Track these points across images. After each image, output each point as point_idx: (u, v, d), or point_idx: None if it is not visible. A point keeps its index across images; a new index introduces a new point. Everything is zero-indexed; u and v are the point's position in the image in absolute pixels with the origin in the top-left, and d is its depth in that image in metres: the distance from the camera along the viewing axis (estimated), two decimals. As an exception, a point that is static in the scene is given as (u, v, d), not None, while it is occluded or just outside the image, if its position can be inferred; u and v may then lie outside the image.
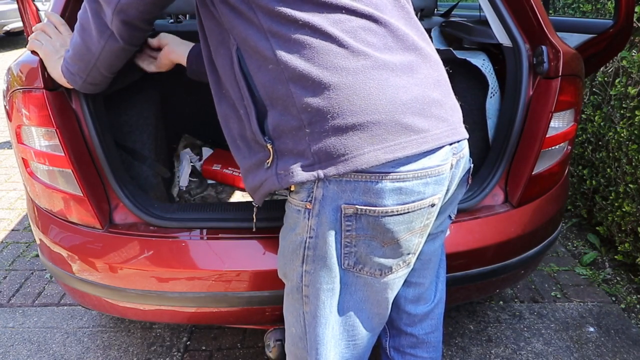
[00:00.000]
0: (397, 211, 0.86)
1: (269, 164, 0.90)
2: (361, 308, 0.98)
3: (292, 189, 0.91)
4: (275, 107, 0.86)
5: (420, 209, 0.89)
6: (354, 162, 0.82)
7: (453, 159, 0.93)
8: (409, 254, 0.94)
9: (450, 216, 1.10)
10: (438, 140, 0.87)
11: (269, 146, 0.88)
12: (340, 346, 1.00)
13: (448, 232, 1.27)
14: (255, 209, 1.12)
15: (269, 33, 0.84)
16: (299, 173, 0.85)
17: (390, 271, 0.94)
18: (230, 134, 0.99)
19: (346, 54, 0.83)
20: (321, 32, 0.83)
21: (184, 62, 1.31)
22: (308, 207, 0.88)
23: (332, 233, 0.88)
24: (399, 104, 0.84)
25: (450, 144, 0.91)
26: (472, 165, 1.05)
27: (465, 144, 0.98)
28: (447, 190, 0.97)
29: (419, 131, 0.85)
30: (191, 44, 1.32)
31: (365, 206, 0.85)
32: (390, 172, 0.83)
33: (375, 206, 0.85)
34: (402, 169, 0.84)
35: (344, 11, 0.85)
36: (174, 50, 1.33)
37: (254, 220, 1.14)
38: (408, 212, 0.88)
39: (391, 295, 1.00)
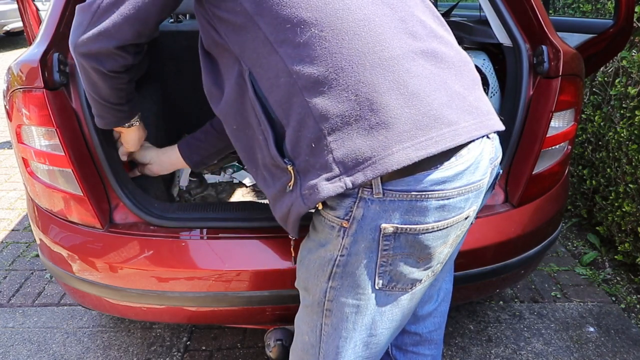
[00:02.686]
0: (437, 227, 0.83)
1: (291, 187, 0.85)
2: (389, 327, 0.96)
3: (325, 204, 0.85)
4: (292, 124, 0.81)
5: (458, 222, 0.86)
6: (382, 164, 0.76)
7: (489, 168, 0.90)
8: (438, 264, 0.93)
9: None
10: (468, 134, 0.81)
11: (290, 168, 0.84)
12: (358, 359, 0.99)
13: None
14: (292, 242, 1.04)
15: (276, 43, 0.81)
16: (324, 188, 0.79)
17: (420, 283, 0.93)
18: (253, 167, 0.95)
19: (360, 50, 0.78)
20: (329, 28, 0.78)
21: (181, 165, 1.39)
22: (344, 225, 0.83)
23: (368, 253, 0.84)
24: (424, 95, 0.79)
25: (481, 139, 0.86)
26: (501, 172, 1.01)
27: (500, 149, 0.95)
28: None
29: (450, 123, 0.79)
30: (173, 148, 1.39)
31: (406, 225, 0.81)
32: (436, 191, 0.80)
33: (417, 224, 0.81)
34: (448, 186, 0.80)
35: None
36: (162, 163, 1.41)
37: (293, 255, 1.07)
38: (446, 227, 0.85)
39: (415, 304, 0.98)
